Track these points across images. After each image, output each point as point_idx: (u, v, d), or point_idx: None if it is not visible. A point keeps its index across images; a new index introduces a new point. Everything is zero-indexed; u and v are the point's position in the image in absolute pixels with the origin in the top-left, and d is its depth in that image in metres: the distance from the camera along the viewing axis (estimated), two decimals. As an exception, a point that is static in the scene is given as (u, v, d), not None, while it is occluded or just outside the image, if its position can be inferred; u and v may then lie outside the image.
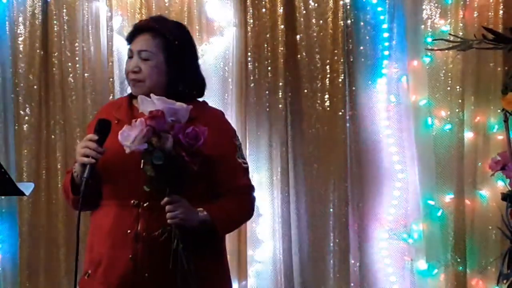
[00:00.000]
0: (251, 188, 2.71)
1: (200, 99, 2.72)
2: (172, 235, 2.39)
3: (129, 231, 2.52)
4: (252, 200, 2.70)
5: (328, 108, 4.28)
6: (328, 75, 4.27)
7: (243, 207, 2.67)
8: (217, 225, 2.53)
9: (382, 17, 4.25)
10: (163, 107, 2.34)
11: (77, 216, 2.69)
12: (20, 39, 4.33)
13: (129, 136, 2.32)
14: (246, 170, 2.70)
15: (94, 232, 2.64)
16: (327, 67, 4.28)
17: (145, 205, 2.52)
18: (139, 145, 2.31)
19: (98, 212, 2.63)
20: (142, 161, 2.45)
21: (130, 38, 2.66)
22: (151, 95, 2.39)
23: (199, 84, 2.71)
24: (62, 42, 4.32)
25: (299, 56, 4.30)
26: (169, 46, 2.61)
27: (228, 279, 2.73)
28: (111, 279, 2.55)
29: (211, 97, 4.26)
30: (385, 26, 4.25)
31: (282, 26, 4.27)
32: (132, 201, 2.53)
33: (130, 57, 2.64)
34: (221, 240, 2.68)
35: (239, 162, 2.66)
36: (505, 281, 3.25)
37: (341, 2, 4.25)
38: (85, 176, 2.43)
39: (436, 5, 4.19)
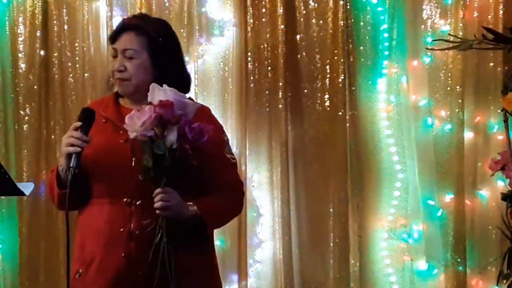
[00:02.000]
0: (240, 184, 2.73)
1: (187, 95, 2.72)
2: (158, 228, 2.39)
3: (122, 229, 2.52)
4: (241, 195, 2.71)
5: (328, 108, 4.28)
6: (328, 75, 4.28)
7: (233, 202, 2.68)
8: (207, 219, 2.54)
9: (382, 17, 4.24)
10: (174, 98, 2.35)
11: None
12: (20, 39, 4.33)
13: (138, 121, 2.32)
14: (234, 166, 2.71)
15: (85, 231, 2.62)
16: (327, 67, 4.28)
17: (137, 203, 2.53)
18: (146, 131, 2.32)
19: (88, 211, 2.62)
20: (134, 158, 2.47)
21: (114, 37, 2.65)
22: (164, 85, 2.39)
23: (185, 80, 2.71)
24: (62, 42, 4.32)
25: (299, 56, 4.31)
26: (153, 44, 2.61)
27: (217, 276, 2.72)
28: (104, 277, 2.54)
29: (211, 97, 4.27)
30: (385, 26, 4.24)
31: (282, 26, 4.27)
32: (124, 199, 2.53)
33: (114, 56, 2.64)
34: (210, 237, 2.69)
35: (228, 157, 2.67)
36: (505, 281, 3.25)
37: (341, 2, 4.25)
38: (71, 165, 2.42)
39: (436, 5, 4.19)
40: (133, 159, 2.50)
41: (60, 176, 2.54)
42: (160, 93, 2.37)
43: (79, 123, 2.47)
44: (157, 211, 2.40)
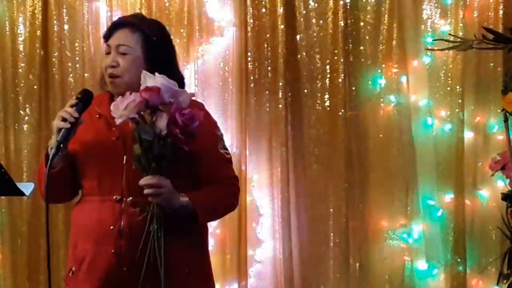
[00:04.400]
0: (235, 179, 2.71)
1: None
2: (149, 215, 2.39)
3: (112, 227, 2.53)
4: (235, 190, 2.70)
5: (328, 108, 4.28)
6: (328, 75, 4.28)
7: (226, 196, 2.67)
8: (198, 210, 2.52)
9: (382, 17, 4.25)
10: (161, 84, 2.34)
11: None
12: (20, 39, 4.33)
13: (121, 105, 2.32)
14: (229, 161, 2.70)
15: (77, 229, 2.63)
16: (327, 67, 4.28)
17: (128, 200, 2.52)
18: (130, 114, 2.30)
19: (80, 208, 2.63)
20: (125, 156, 2.47)
21: (108, 35, 2.64)
22: (156, 73, 2.38)
23: (178, 81, 2.71)
24: (62, 42, 4.32)
25: (299, 56, 4.30)
26: (148, 42, 2.59)
27: (210, 274, 2.72)
28: (95, 275, 2.55)
29: (211, 97, 4.26)
30: (385, 26, 4.24)
31: (282, 26, 4.27)
32: (114, 197, 2.54)
33: (108, 53, 2.62)
34: (204, 233, 2.69)
35: (222, 153, 2.66)
36: (505, 281, 3.25)
37: (341, 2, 4.25)
38: (57, 140, 2.41)
39: (436, 5, 4.20)
40: (125, 157, 2.51)
41: (49, 157, 2.49)
42: (150, 80, 2.36)
43: (74, 101, 2.47)
44: (149, 199, 2.40)
